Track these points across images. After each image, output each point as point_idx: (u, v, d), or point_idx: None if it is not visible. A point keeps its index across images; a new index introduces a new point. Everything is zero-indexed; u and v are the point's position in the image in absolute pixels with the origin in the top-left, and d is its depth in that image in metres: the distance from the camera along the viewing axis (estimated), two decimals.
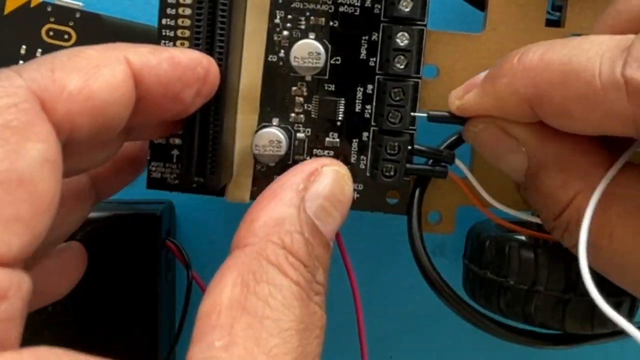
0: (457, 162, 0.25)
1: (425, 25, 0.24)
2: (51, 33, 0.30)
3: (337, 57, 0.24)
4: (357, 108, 0.25)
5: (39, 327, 0.29)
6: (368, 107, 0.25)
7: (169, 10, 0.23)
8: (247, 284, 0.17)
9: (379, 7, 0.24)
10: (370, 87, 0.24)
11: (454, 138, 0.26)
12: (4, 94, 0.16)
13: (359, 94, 0.25)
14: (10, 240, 0.15)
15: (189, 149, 0.23)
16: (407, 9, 0.23)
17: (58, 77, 0.17)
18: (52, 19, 0.30)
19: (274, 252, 0.18)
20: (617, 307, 0.25)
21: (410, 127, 0.24)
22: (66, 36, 0.29)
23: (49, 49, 0.30)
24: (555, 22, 0.27)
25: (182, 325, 0.31)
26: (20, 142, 0.15)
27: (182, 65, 0.19)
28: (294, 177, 0.20)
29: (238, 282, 0.17)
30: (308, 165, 0.21)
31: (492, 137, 0.21)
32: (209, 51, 0.22)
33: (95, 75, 0.17)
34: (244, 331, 0.16)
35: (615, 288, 0.22)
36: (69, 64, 0.17)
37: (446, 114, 0.23)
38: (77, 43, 0.29)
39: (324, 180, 0.20)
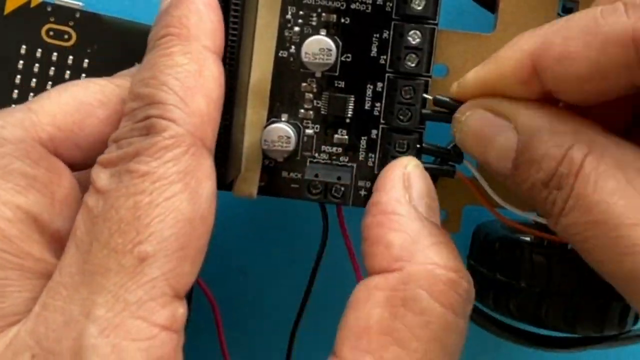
0: (465, 161, 0.25)
1: (437, 24, 0.24)
2: (51, 33, 0.30)
3: (348, 54, 0.24)
4: (367, 105, 0.25)
5: None
6: (378, 104, 0.25)
7: None
8: (397, 310, 0.19)
9: (391, 4, 0.24)
10: (380, 84, 0.24)
11: None
12: (175, 143, 0.19)
13: (369, 92, 0.25)
14: (190, 271, 0.18)
15: None
16: (420, 7, 0.23)
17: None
18: (52, 19, 0.30)
19: (425, 278, 0.20)
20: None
21: (420, 126, 0.24)
22: (66, 36, 0.30)
23: (49, 49, 0.31)
24: None
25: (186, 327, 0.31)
26: (197, 185, 0.19)
27: None
28: (392, 190, 0.22)
29: (388, 306, 0.19)
30: (395, 173, 0.22)
31: (480, 121, 0.22)
32: (223, 50, 0.23)
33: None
34: None
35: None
36: None
37: (448, 99, 0.24)
38: (77, 43, 0.30)
39: (416, 181, 0.22)
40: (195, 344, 0.34)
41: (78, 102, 0.21)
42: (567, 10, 0.27)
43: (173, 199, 0.17)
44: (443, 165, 0.25)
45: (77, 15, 0.30)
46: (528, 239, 0.27)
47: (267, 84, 0.25)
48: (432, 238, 0.20)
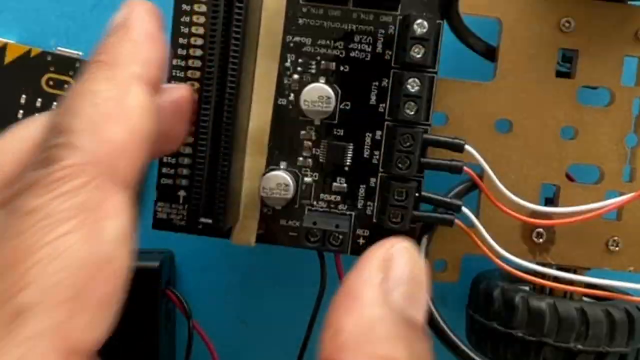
0: (465, 210, 0.25)
1: (436, 73, 0.24)
2: (51, 82, 0.31)
3: (347, 102, 0.25)
4: (366, 154, 0.25)
5: None
6: (377, 153, 0.25)
7: (179, 51, 0.24)
8: None
9: (390, 53, 0.24)
10: (379, 133, 0.25)
11: (461, 187, 0.26)
12: (74, 173, 0.16)
13: (368, 140, 0.25)
14: (90, 323, 0.15)
15: (196, 189, 0.23)
16: (419, 56, 0.23)
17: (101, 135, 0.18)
18: (52, 69, 0.31)
19: None
20: None
21: (418, 174, 0.24)
22: (66, 85, 0.31)
23: (49, 98, 0.31)
24: (565, 73, 0.27)
25: None
26: (98, 222, 0.16)
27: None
28: (364, 270, 0.19)
29: None
30: (378, 252, 0.19)
31: None
32: (220, 92, 0.23)
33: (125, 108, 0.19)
34: None
35: None
36: (98, 112, 0.18)
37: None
38: None
39: (400, 263, 0.19)
40: None
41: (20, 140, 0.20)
42: (567, 59, 0.27)
43: (63, 238, 0.15)
44: (442, 214, 0.25)
45: (77, 64, 0.31)
46: (527, 287, 0.28)
47: (266, 131, 0.25)
48: (393, 330, 0.18)
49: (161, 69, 0.20)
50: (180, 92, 0.22)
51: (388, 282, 0.18)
